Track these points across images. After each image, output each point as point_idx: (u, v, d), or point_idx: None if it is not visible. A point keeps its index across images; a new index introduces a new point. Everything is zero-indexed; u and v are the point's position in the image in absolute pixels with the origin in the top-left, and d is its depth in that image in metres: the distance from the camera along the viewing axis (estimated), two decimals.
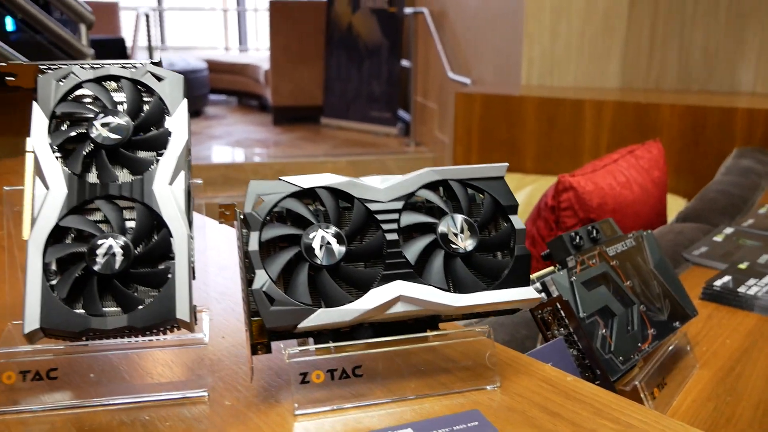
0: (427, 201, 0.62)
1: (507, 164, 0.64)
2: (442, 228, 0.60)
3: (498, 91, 2.96)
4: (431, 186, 0.62)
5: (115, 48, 4.73)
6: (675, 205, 2.18)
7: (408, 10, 4.98)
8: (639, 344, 0.82)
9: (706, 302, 1.10)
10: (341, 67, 5.61)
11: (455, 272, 0.60)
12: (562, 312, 0.75)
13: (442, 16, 4.47)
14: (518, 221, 0.62)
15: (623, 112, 2.53)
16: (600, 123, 2.57)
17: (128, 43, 4.73)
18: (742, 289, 1.09)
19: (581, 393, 0.58)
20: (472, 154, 2.77)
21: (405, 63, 5.16)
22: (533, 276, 0.79)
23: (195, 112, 6.38)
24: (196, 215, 0.67)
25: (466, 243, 0.60)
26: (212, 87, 6.78)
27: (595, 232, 0.87)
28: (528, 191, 2.45)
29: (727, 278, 1.13)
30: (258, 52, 8.27)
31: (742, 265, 1.20)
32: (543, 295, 0.77)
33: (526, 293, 0.60)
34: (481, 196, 0.63)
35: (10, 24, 3.26)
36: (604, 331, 0.78)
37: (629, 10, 3.12)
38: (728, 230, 1.41)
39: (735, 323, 1.03)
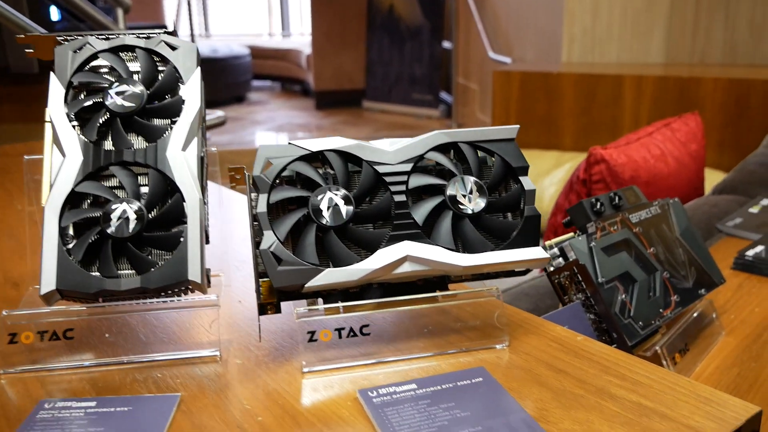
0: (437, 164, 0.62)
1: (518, 126, 0.64)
2: (450, 190, 0.60)
3: (538, 68, 2.92)
4: (442, 149, 0.62)
5: None
6: (716, 180, 2.12)
7: None
8: (661, 310, 0.81)
9: (737, 272, 1.08)
10: (383, 50, 5.60)
11: (464, 233, 0.60)
12: (579, 276, 0.75)
13: None
14: (528, 182, 0.62)
15: (664, 87, 2.47)
16: (640, 99, 2.51)
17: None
18: None
19: (590, 351, 0.58)
20: None
21: (446, 44, 5.12)
22: (552, 241, 0.78)
23: (238, 98, 6.45)
24: (223, 189, 0.68)
25: (474, 204, 0.60)
26: (255, 73, 6.84)
27: (617, 199, 0.85)
28: (567, 168, 2.42)
29: (759, 248, 1.10)
30: (301, 38, 8.30)
31: None
32: (560, 260, 0.77)
33: (535, 253, 0.60)
34: (493, 158, 0.63)
35: (55, 13, 3.34)
36: (623, 296, 0.77)
37: None
38: (765, 202, 1.36)
39: (766, 292, 1.00)
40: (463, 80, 4.94)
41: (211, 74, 5.88)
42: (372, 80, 5.73)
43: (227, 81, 6.23)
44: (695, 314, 0.87)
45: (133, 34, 0.68)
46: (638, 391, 0.52)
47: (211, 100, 5.73)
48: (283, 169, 0.59)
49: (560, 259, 0.76)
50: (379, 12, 5.56)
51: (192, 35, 4.95)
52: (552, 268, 0.76)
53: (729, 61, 2.96)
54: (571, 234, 0.81)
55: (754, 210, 1.33)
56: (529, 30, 3.65)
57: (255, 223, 0.58)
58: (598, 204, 0.82)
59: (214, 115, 2.41)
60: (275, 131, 5.31)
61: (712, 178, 2.09)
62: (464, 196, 0.60)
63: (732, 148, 2.37)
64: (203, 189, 0.63)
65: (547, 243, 0.77)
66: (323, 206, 0.57)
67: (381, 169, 0.60)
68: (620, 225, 0.83)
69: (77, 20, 2.74)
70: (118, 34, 0.67)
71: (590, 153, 1.36)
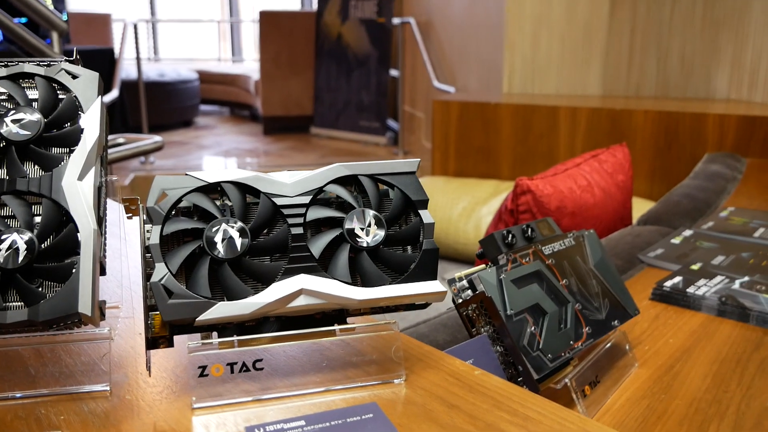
0: (338, 197, 0.62)
1: (419, 159, 0.65)
2: (349, 223, 0.60)
3: (477, 98, 2.97)
4: (343, 181, 0.62)
5: (103, 58, 4.75)
6: (645, 210, 2.18)
7: (396, 20, 5.00)
8: (571, 342, 0.82)
9: (655, 303, 1.10)
10: (331, 77, 5.63)
11: (361, 266, 0.60)
12: (486, 309, 0.75)
13: (428, 26, 4.49)
14: (427, 216, 0.62)
15: (598, 119, 2.54)
16: (575, 130, 2.58)
17: (117, 55, 4.75)
18: (691, 290, 1.09)
19: (485, 386, 0.58)
20: (449, 161, 2.77)
21: (394, 72, 5.18)
22: (462, 273, 0.79)
23: (185, 123, 6.39)
24: (136, 218, 0.67)
25: (372, 237, 0.60)
26: (204, 97, 6.80)
27: (530, 231, 0.87)
28: (503, 197, 2.45)
29: (678, 279, 1.13)
30: (252, 63, 8.29)
31: (695, 266, 1.20)
32: (469, 292, 0.77)
33: (432, 287, 0.60)
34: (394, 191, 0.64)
35: None
36: (533, 328, 0.78)
37: (609, 18, 3.13)
38: (687, 233, 1.41)
39: (681, 323, 1.03)
40: (410, 108, 5.00)
41: (158, 98, 5.82)
42: (320, 107, 5.74)
43: (174, 105, 6.17)
44: (608, 346, 0.89)
45: (33, 61, 0.66)
46: (527, 427, 0.52)
47: (157, 124, 5.66)
48: (179, 200, 0.58)
49: (469, 291, 0.77)
50: (328, 39, 5.60)
51: (138, 59, 4.89)
52: (461, 300, 0.77)
53: (662, 94, 3.06)
54: (483, 266, 0.81)
55: (676, 241, 1.37)
56: (472, 60, 3.73)
57: (148, 254, 0.57)
58: (510, 236, 0.83)
59: (151, 140, 2.38)
60: (222, 156, 5.27)
61: (642, 207, 2.15)
62: (362, 229, 0.60)
63: (662, 178, 2.44)
64: (100, 219, 0.62)
65: (457, 275, 0.78)
66: (217, 238, 0.57)
67: (279, 201, 0.59)
68: (532, 257, 0.84)
69: (13, 44, 2.69)
70: (18, 61, 0.66)
71: (517, 184, 1.38)
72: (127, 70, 5.15)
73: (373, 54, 5.30)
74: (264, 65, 5.82)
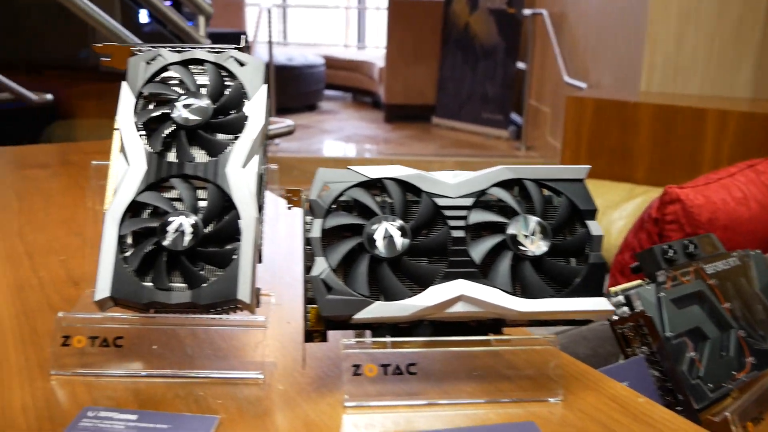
0: (500, 200, 0.60)
1: (589, 166, 0.61)
2: (512, 229, 0.57)
3: (614, 96, 2.84)
4: (506, 185, 0.60)
5: (235, 41, 4.92)
6: None
7: (527, 11, 4.87)
8: (733, 372, 0.75)
9: None
10: (456, 67, 5.57)
11: (523, 276, 0.57)
12: (644, 329, 0.70)
13: (562, 18, 4.35)
14: (596, 227, 0.59)
15: (751, 124, 2.35)
16: (723, 135, 2.40)
17: (251, 38, 4.91)
18: None
19: (651, 417, 0.54)
20: (580, 160, 2.67)
21: (520, 65, 5.05)
22: (617, 288, 0.74)
23: (310, 107, 6.53)
24: (281, 204, 0.67)
25: (536, 246, 0.57)
26: (328, 82, 6.91)
27: (692, 247, 0.81)
28: (638, 202, 2.33)
29: None
30: (375, 50, 8.36)
31: None
32: (626, 309, 0.72)
33: (598, 304, 0.56)
34: (559, 198, 0.60)
35: (145, 17, 3.45)
36: (692, 353, 0.72)
37: (766, 16, 2.90)
38: None
39: None
40: (536, 102, 4.87)
41: (285, 82, 5.97)
42: (443, 97, 5.70)
43: (300, 89, 6.31)
44: None
45: (205, 48, 0.68)
46: None
47: (283, 108, 5.82)
48: (340, 194, 0.57)
49: (625, 308, 0.72)
50: (455, 29, 5.54)
51: (270, 43, 5.04)
52: (616, 317, 0.72)
53: None
54: (639, 281, 0.76)
55: None
56: (608, 55, 3.57)
57: (308, 247, 0.56)
58: (671, 251, 0.78)
59: (284, 123, 2.44)
60: (343, 141, 5.35)
61: None
62: (526, 236, 0.57)
63: None
64: (260, 207, 0.62)
65: (612, 289, 0.73)
66: (378, 236, 0.55)
67: (440, 201, 0.57)
68: (694, 275, 0.78)
69: (161, 25, 2.82)
70: (190, 48, 0.67)
71: (665, 191, 1.30)
72: (257, 53, 5.32)
73: (500, 45, 5.20)
74: (390, 53, 5.84)
